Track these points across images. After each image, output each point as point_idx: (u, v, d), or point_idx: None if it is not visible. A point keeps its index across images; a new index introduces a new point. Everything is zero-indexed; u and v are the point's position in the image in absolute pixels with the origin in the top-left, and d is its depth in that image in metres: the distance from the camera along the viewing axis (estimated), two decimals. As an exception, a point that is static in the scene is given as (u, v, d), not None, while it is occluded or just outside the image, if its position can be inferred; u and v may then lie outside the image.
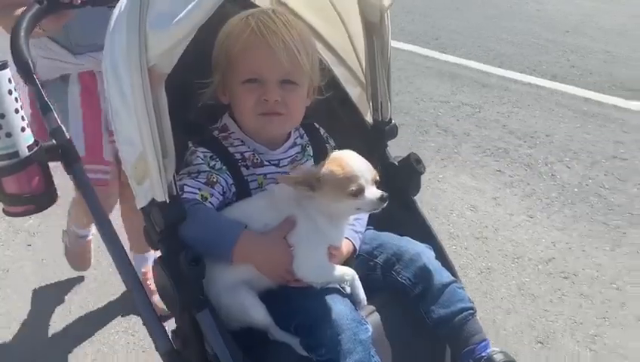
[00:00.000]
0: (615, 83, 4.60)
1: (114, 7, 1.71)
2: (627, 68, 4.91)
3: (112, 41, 1.18)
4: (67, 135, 1.51)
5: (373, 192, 1.28)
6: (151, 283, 2.34)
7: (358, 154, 1.33)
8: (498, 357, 1.34)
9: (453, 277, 1.43)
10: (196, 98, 1.46)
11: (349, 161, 1.29)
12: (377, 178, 1.31)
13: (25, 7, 1.56)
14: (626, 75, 4.76)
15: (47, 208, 1.56)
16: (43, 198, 1.49)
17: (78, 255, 2.59)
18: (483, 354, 1.35)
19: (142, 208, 1.23)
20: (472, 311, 1.39)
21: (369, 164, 1.32)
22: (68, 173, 1.51)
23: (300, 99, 1.42)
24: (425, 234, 1.54)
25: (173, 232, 1.20)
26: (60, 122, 1.51)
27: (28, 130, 1.43)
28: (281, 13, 1.39)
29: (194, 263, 1.15)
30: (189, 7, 0.95)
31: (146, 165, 1.16)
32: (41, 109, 1.53)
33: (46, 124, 1.52)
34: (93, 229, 2.58)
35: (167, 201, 1.16)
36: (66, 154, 1.49)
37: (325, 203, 1.29)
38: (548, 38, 5.62)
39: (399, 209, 1.54)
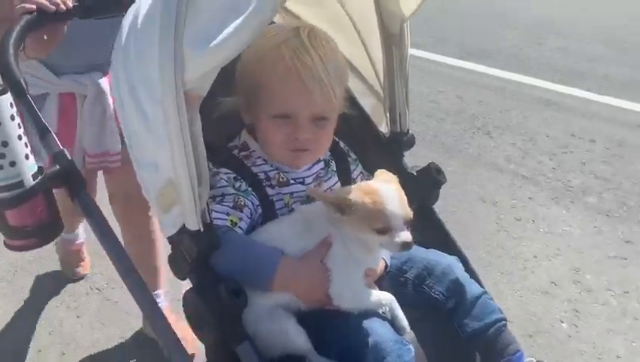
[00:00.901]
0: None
1: (113, 17, 1.65)
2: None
3: (127, 57, 1.11)
4: (69, 157, 1.41)
5: (399, 236, 1.21)
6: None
7: (398, 188, 1.27)
8: (535, 367, 1.33)
9: (483, 289, 1.42)
10: (208, 111, 1.39)
11: (384, 198, 1.22)
12: (410, 218, 1.24)
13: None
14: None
15: (52, 240, 1.46)
16: (48, 230, 1.39)
17: (71, 260, 2.55)
18: (520, 365, 1.34)
19: (169, 237, 1.16)
20: (504, 322, 1.38)
21: (405, 200, 1.25)
22: (73, 201, 1.41)
23: (330, 132, 1.37)
24: (448, 246, 1.52)
25: (206, 262, 1.14)
26: (61, 145, 1.42)
27: (32, 158, 1.33)
28: (315, 38, 1.29)
29: (234, 295, 1.09)
30: (235, 25, 0.89)
31: (175, 192, 1.09)
32: (38, 133, 1.43)
33: (45, 148, 1.42)
34: (81, 230, 2.52)
35: (201, 230, 1.10)
36: (72, 180, 1.40)
37: (352, 231, 1.25)
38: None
39: (420, 220, 1.51)
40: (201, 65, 0.96)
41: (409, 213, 1.25)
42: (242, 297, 1.10)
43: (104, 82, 1.81)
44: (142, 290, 1.35)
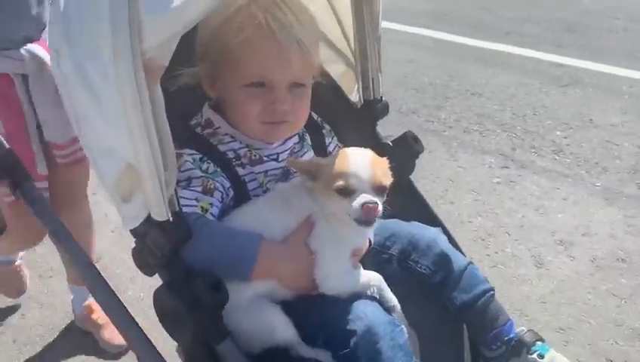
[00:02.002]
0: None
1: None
2: None
3: (68, 27, 0.95)
4: (6, 145, 1.25)
5: (361, 198, 1.08)
6: (97, 318, 2.09)
7: (374, 155, 1.16)
8: (528, 336, 1.30)
9: (468, 259, 1.36)
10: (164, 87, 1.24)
11: (350, 157, 1.12)
12: (383, 185, 1.12)
13: None
14: None
15: None
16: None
17: (7, 281, 2.24)
18: (512, 336, 1.30)
19: (133, 229, 1.03)
20: (492, 292, 1.34)
21: (381, 168, 1.14)
22: (15, 195, 1.25)
23: (307, 102, 1.25)
24: (429, 217, 1.45)
25: (176, 255, 1.02)
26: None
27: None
28: (290, 1, 1.16)
29: (214, 289, 0.98)
30: None
31: (136, 178, 0.96)
32: None
33: None
34: (21, 254, 2.24)
35: (170, 219, 0.97)
36: (12, 170, 1.24)
37: (321, 200, 1.14)
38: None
39: (399, 193, 1.43)
40: (162, 31, 0.82)
41: (379, 179, 1.12)
42: (223, 291, 0.99)
43: (43, 52, 1.56)
44: (100, 281, 1.23)
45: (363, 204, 1.08)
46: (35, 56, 1.56)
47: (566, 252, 2.54)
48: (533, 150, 3.36)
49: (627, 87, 4.09)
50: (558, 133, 3.54)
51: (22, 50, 1.56)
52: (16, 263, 2.22)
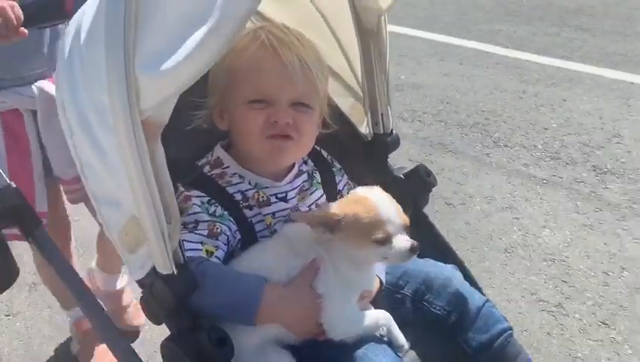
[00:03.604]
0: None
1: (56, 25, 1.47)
2: None
3: (72, 76, 0.96)
4: (14, 186, 1.25)
5: (402, 241, 1.11)
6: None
7: (386, 194, 1.17)
8: (548, 378, 1.25)
9: (485, 297, 1.32)
10: (176, 124, 1.24)
11: (377, 204, 1.12)
12: (408, 223, 1.15)
13: None
14: None
15: (7, 288, 1.31)
16: (1, 276, 1.25)
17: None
18: (531, 377, 1.26)
19: (139, 280, 1.02)
20: (510, 332, 1.29)
21: (398, 206, 1.15)
22: (27, 241, 1.26)
23: (313, 123, 1.23)
24: (445, 253, 1.42)
25: (183, 306, 1.01)
26: (8, 180, 1.26)
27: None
28: (293, 29, 1.20)
29: (220, 344, 0.97)
30: (196, 41, 0.75)
31: (140, 231, 0.95)
32: None
33: None
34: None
35: (175, 272, 0.96)
36: (23, 217, 1.24)
37: (347, 249, 1.13)
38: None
39: (412, 227, 1.41)
40: (157, 92, 0.81)
41: (405, 217, 1.15)
42: (228, 346, 0.97)
43: (53, 89, 1.60)
44: (110, 328, 1.24)
45: (410, 247, 1.12)
46: (45, 93, 1.58)
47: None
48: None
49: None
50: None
51: (33, 87, 1.59)
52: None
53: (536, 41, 5.07)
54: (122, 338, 1.26)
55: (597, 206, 2.87)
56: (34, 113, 1.63)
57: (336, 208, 1.15)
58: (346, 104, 1.46)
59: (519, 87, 4.21)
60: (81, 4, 0.99)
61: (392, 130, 1.44)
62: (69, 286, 1.29)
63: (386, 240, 1.10)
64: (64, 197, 1.81)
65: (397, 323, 1.23)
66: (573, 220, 2.77)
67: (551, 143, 3.45)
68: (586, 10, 5.81)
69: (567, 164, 3.23)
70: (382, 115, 1.40)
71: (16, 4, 1.31)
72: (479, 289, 1.35)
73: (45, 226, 1.64)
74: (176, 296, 0.97)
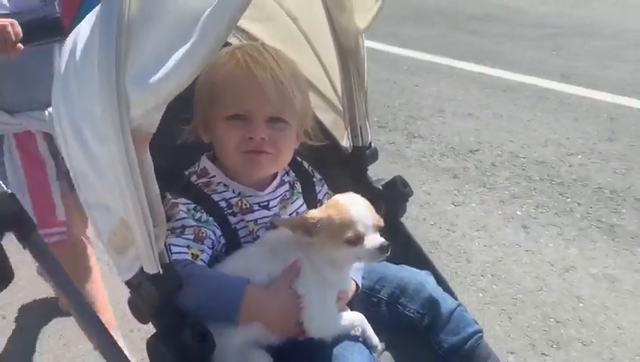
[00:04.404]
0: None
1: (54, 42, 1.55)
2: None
3: (67, 89, 1.03)
4: (19, 200, 1.33)
5: (372, 240, 1.18)
6: None
7: (360, 198, 1.25)
8: (516, 378, 1.32)
9: (457, 302, 1.39)
10: (167, 138, 1.32)
11: (348, 206, 1.20)
12: (381, 224, 1.22)
13: None
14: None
15: (2, 290, 1.37)
16: (-2, 278, 1.31)
17: None
18: (500, 378, 1.32)
19: (127, 281, 1.09)
20: (480, 334, 1.36)
21: (371, 208, 1.23)
22: (23, 246, 1.32)
23: (289, 139, 1.31)
24: (420, 260, 1.49)
25: (168, 304, 1.08)
26: (5, 186, 1.33)
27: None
28: (271, 48, 1.28)
29: (201, 339, 1.03)
30: (178, 57, 0.83)
31: (128, 233, 1.02)
32: None
33: None
34: None
35: (161, 272, 1.03)
36: (19, 223, 1.31)
37: (324, 251, 1.20)
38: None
39: (389, 236, 1.48)
40: (145, 102, 0.89)
41: (378, 219, 1.22)
42: (210, 341, 1.04)
43: None
44: (109, 340, 1.29)
45: (380, 246, 1.18)
46: None
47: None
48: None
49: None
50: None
51: (45, 112, 1.69)
52: None
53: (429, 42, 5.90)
54: (115, 342, 1.32)
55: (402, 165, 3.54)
56: (46, 134, 1.73)
57: (314, 213, 1.23)
58: (327, 119, 1.55)
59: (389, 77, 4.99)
60: (79, 22, 1.07)
61: (370, 142, 1.52)
62: (63, 291, 1.35)
63: (357, 240, 1.17)
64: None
65: (373, 326, 1.29)
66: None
67: (385, 116, 4.28)
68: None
69: (390, 130, 4.10)
70: (361, 128, 1.49)
71: (15, 21, 1.39)
72: (452, 294, 1.42)
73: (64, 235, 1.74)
74: (161, 294, 1.03)
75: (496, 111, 4.31)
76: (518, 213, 3.06)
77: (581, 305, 2.37)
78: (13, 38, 1.37)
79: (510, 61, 5.28)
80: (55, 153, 1.72)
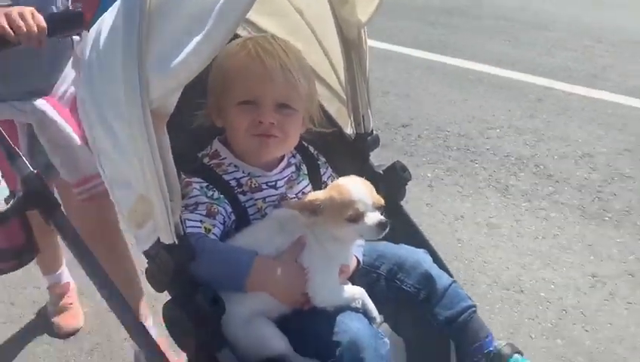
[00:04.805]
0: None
1: (76, 34, 1.64)
2: None
3: (91, 75, 1.13)
4: (34, 172, 1.40)
5: (372, 218, 1.26)
6: (65, 301, 2.32)
7: (362, 180, 1.33)
8: (506, 349, 1.40)
9: (452, 279, 1.48)
10: (183, 122, 1.42)
11: (348, 187, 1.28)
12: (381, 202, 1.30)
13: None
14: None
15: (28, 262, 1.47)
16: (24, 252, 1.41)
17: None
18: (491, 349, 1.41)
19: (145, 252, 1.19)
20: (474, 309, 1.45)
21: (372, 189, 1.31)
22: (47, 222, 1.42)
23: (296, 124, 1.41)
24: (417, 240, 1.58)
25: (183, 272, 1.17)
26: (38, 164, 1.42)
27: (3, 182, 1.34)
28: (280, 39, 1.38)
29: (212, 302, 1.13)
30: (196, 42, 0.92)
31: (148, 207, 1.12)
32: (7, 156, 1.43)
33: (16, 171, 1.43)
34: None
35: (176, 242, 1.13)
36: (44, 201, 1.41)
37: (327, 229, 1.30)
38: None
39: (389, 217, 1.57)
40: (165, 84, 0.99)
41: (378, 198, 1.31)
42: (220, 304, 1.14)
43: (46, 106, 1.71)
44: (121, 303, 1.38)
45: (378, 222, 1.26)
46: (37, 110, 1.69)
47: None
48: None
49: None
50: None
51: (27, 103, 1.70)
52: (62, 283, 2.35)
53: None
54: (133, 315, 1.40)
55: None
56: (28, 126, 1.74)
57: (318, 195, 1.32)
58: (332, 107, 1.64)
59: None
60: (99, 16, 1.17)
61: (372, 130, 1.61)
62: (83, 265, 1.45)
63: (358, 218, 1.26)
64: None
65: (372, 300, 1.39)
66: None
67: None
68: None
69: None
70: (363, 116, 1.58)
71: (41, 17, 1.49)
72: (447, 272, 1.51)
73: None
74: (176, 263, 1.13)
75: (433, 92, 4.64)
76: (429, 174, 3.44)
77: (459, 245, 2.79)
78: (37, 32, 1.46)
79: (458, 49, 5.57)
80: (31, 150, 1.74)
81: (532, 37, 5.89)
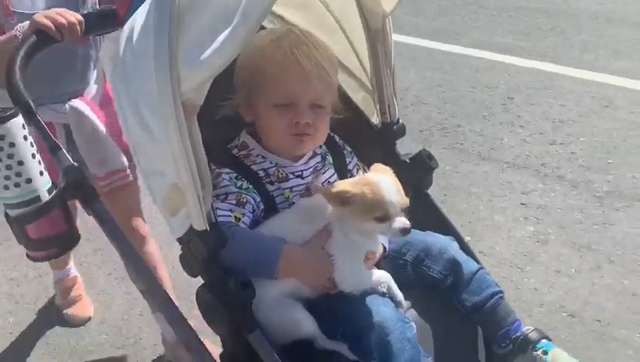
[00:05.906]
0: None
1: (109, 32, 1.71)
2: None
3: (125, 70, 1.18)
4: (75, 164, 1.47)
5: (398, 222, 1.29)
6: (74, 293, 2.42)
7: (393, 178, 1.35)
8: (533, 335, 1.41)
9: (478, 265, 1.49)
10: (209, 113, 1.46)
11: (381, 186, 1.30)
12: (407, 205, 1.32)
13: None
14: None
15: (71, 248, 1.54)
16: (66, 239, 1.48)
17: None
18: (518, 334, 1.42)
19: (179, 238, 1.24)
20: (501, 295, 1.46)
21: (401, 189, 1.33)
22: (87, 212, 1.49)
23: (326, 120, 1.45)
24: (444, 227, 1.60)
25: (214, 258, 1.22)
26: (72, 160, 1.49)
27: (46, 174, 1.42)
28: (311, 36, 1.41)
29: (243, 287, 1.18)
30: (223, 38, 0.96)
31: (181, 196, 1.17)
32: (50, 150, 1.50)
33: (57, 163, 1.50)
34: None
35: (208, 229, 1.18)
36: (84, 191, 1.47)
37: (353, 221, 1.32)
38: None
39: (416, 205, 1.59)
40: (195, 78, 1.03)
41: (405, 200, 1.33)
42: (250, 288, 1.18)
43: (83, 106, 1.83)
44: (160, 291, 1.44)
45: (403, 228, 1.29)
46: (75, 110, 1.81)
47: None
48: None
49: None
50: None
51: (66, 105, 1.81)
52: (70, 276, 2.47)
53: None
54: (172, 302, 1.46)
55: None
56: (65, 126, 1.86)
57: (351, 186, 1.32)
58: (358, 97, 1.66)
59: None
60: (131, 14, 1.22)
61: (398, 118, 1.63)
62: (122, 254, 1.52)
63: (385, 219, 1.28)
64: None
65: (399, 286, 1.41)
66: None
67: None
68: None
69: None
70: (389, 105, 1.60)
71: (79, 15, 1.56)
72: (474, 258, 1.52)
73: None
74: (209, 249, 1.18)
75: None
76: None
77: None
78: (79, 29, 1.53)
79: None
80: (68, 147, 1.82)
81: (492, 16, 5.81)
